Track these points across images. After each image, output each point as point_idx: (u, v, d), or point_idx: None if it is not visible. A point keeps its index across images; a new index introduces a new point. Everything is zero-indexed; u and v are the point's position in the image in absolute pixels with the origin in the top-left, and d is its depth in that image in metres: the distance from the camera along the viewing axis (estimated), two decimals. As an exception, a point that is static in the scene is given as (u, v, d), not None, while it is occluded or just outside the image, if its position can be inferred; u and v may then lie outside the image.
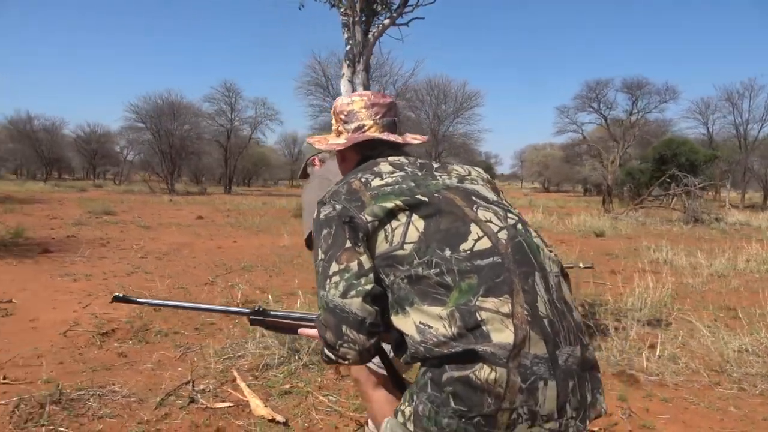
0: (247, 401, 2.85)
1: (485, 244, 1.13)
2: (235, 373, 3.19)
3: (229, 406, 2.83)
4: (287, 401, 2.94)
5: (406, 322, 1.10)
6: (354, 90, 3.44)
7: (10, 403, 2.80)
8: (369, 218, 1.16)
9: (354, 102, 1.41)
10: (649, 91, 30.81)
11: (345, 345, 1.15)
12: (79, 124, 50.75)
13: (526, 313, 1.07)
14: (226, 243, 9.63)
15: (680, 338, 4.31)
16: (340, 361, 1.19)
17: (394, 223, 1.16)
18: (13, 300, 4.90)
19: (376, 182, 1.23)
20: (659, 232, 13.92)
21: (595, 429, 2.78)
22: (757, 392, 3.35)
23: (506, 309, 1.06)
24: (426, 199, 1.18)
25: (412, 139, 1.44)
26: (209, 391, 3.03)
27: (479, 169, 1.38)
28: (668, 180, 17.15)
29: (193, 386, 3.05)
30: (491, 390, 1.02)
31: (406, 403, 1.12)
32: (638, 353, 3.94)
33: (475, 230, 1.15)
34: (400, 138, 1.40)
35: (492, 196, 1.27)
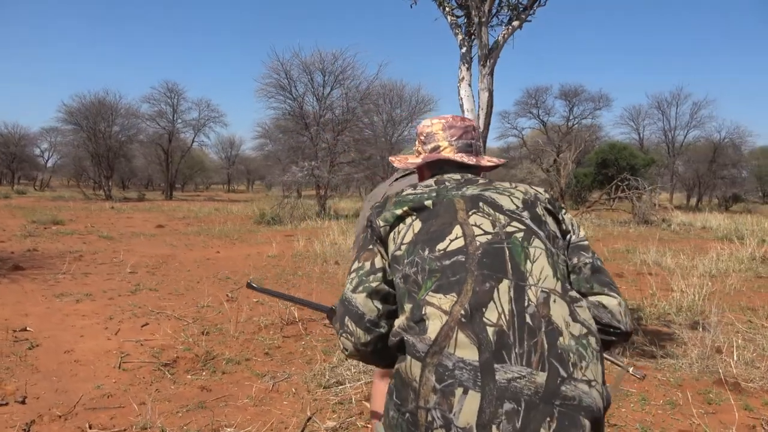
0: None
1: (458, 244, 1.13)
2: (369, 405, 2.89)
3: (383, 445, 2.54)
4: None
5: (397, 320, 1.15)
6: (475, 95, 3.23)
7: (124, 458, 2.38)
8: (381, 223, 1.24)
9: (434, 125, 1.45)
10: (585, 99, 32.40)
11: (344, 335, 1.21)
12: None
13: (462, 313, 1.03)
14: (210, 254, 9.04)
15: (740, 341, 4.40)
16: (343, 351, 1.25)
17: (401, 227, 1.21)
18: (28, 328, 4.28)
19: (407, 192, 1.29)
20: (619, 233, 14.52)
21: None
22: None
23: (447, 307, 1.04)
24: (430, 204, 1.22)
25: (487, 161, 1.44)
26: (343, 428, 2.72)
27: (537, 189, 1.31)
28: (619, 183, 17.95)
29: (321, 425, 2.73)
30: (410, 384, 1.02)
31: None
32: (711, 358, 3.97)
33: (456, 231, 1.15)
34: (472, 159, 1.40)
35: (511, 206, 1.22)
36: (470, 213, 1.19)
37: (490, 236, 1.14)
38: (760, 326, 4.93)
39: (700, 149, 32.62)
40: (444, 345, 1.01)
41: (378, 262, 1.21)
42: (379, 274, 1.20)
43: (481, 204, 1.21)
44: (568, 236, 1.28)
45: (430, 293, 1.07)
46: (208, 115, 32.36)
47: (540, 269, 1.10)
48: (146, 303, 5.30)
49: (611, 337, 1.19)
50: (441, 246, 1.13)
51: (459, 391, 0.97)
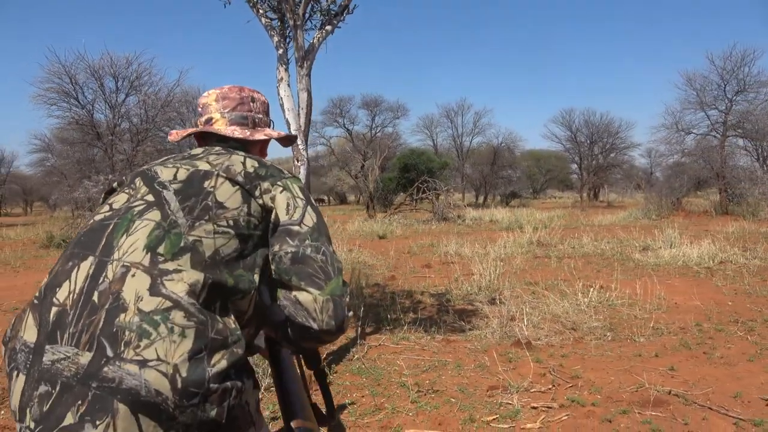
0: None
1: (83, 225, 1.14)
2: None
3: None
4: None
5: None
6: (295, 95, 3.30)
7: None
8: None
9: (209, 95, 1.39)
10: (385, 108, 34.75)
11: None
12: None
13: (36, 295, 1.03)
14: (-14, 285, 7.71)
15: (528, 309, 5.19)
16: None
17: None
18: None
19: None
20: (423, 230, 15.85)
21: (544, 387, 3.28)
22: (610, 339, 4.32)
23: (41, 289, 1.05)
24: (124, 179, 1.22)
25: (263, 135, 1.39)
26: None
27: (244, 163, 1.21)
28: (420, 186, 19.61)
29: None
30: None
31: None
32: (508, 325, 4.65)
33: (96, 211, 1.15)
34: (245, 132, 1.35)
35: (168, 178, 1.15)
36: (122, 190, 1.17)
37: (109, 213, 1.11)
38: (541, 296, 5.85)
39: (483, 153, 37.13)
40: (18, 329, 1.00)
41: None
42: None
43: (138, 179, 1.17)
44: (272, 216, 1.16)
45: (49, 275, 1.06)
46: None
47: (132, 243, 1.02)
48: None
49: (308, 336, 1.13)
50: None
51: (15, 374, 0.97)
